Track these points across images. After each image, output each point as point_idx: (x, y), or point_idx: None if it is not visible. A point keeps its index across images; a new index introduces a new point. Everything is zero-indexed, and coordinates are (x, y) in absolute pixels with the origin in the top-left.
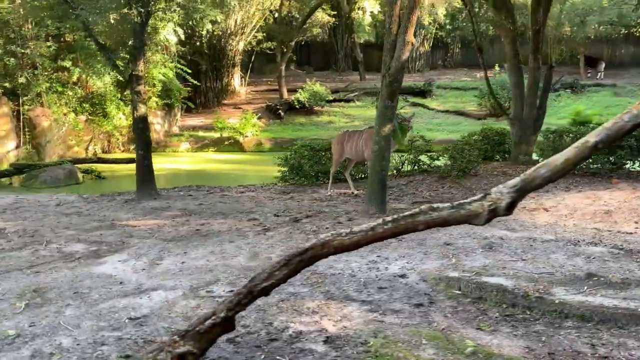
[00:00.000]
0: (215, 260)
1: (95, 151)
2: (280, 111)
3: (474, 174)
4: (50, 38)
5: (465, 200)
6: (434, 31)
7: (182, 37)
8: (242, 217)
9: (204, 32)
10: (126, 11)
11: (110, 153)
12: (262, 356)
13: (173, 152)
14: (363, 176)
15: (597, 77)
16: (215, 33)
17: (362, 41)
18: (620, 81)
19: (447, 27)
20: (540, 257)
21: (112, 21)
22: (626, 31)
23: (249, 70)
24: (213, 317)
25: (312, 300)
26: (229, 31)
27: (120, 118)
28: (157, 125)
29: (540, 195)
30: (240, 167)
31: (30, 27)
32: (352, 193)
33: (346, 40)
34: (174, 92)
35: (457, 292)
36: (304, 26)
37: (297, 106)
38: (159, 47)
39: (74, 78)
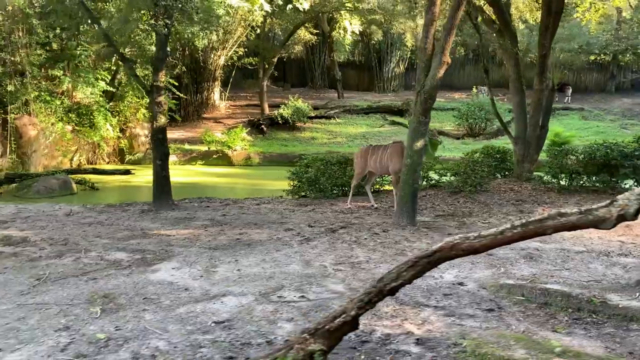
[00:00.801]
0: (270, 268)
1: (80, 162)
2: (263, 126)
3: (484, 189)
4: (38, 46)
5: (592, 207)
6: (408, 54)
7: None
8: (277, 228)
9: (200, 46)
10: (153, 22)
11: (94, 164)
12: (362, 357)
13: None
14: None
15: (565, 101)
16: (196, 47)
17: (340, 59)
18: (586, 105)
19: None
20: (580, 266)
21: (136, 32)
22: (592, 59)
23: (229, 85)
24: (343, 316)
25: (386, 305)
26: (210, 45)
27: (108, 129)
28: (143, 137)
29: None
30: (233, 181)
31: (21, 34)
32: (372, 206)
33: (324, 58)
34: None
35: (521, 298)
36: (287, 43)
37: (280, 122)
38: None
39: (63, 87)
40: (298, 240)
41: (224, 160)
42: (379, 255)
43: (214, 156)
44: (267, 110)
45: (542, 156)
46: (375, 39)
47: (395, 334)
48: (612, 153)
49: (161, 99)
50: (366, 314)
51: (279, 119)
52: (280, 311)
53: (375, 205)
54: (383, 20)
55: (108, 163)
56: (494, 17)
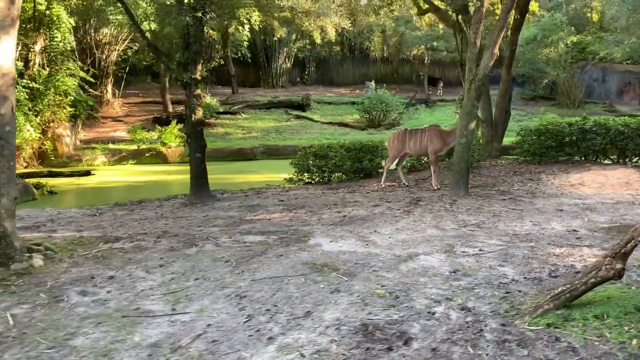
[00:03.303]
0: (414, 234)
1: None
2: (172, 123)
3: (479, 167)
4: None
5: None
6: (295, 51)
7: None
8: (357, 206)
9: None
10: (196, 15)
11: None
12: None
13: (89, 166)
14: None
15: (438, 94)
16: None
17: (235, 56)
18: (456, 97)
19: (307, 46)
20: (630, 212)
21: (172, 27)
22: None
23: (122, 83)
24: (632, 242)
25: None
26: (103, 40)
27: (29, 130)
28: (67, 137)
29: (560, 176)
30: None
31: None
32: (404, 184)
33: (213, 54)
34: (81, 103)
35: None
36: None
37: None
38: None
39: None
40: (399, 213)
41: (158, 158)
42: (484, 217)
43: (147, 154)
44: (170, 108)
45: (510, 139)
46: (276, 36)
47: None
48: (574, 130)
49: (198, 91)
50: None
51: None
52: (480, 260)
53: (407, 184)
54: (292, 18)
55: (27, 167)
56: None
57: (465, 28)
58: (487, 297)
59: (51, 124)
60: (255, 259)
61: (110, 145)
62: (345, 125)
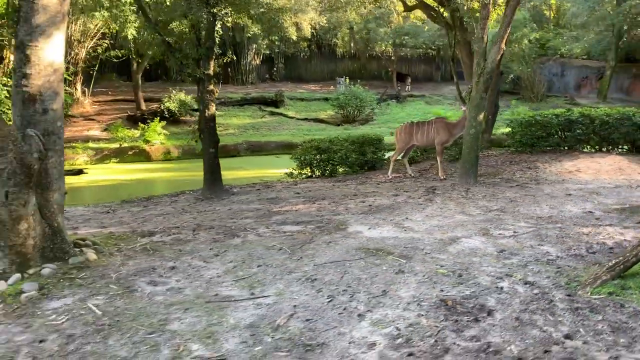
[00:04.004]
0: (445, 220)
1: None
2: (148, 121)
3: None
4: None
5: None
6: (264, 47)
7: None
8: (377, 195)
9: (129, 37)
10: (211, 10)
11: None
12: None
13: (71, 165)
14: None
15: (406, 90)
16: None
17: None
18: (425, 92)
19: (276, 43)
20: (632, 195)
21: (181, 21)
22: (426, 52)
23: (92, 81)
24: None
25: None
26: (72, 37)
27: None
28: None
29: (554, 164)
30: (181, 174)
31: None
32: (410, 175)
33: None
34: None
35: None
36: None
37: (166, 115)
38: None
39: None
40: (421, 201)
41: (141, 156)
42: (503, 203)
43: (130, 152)
44: (142, 105)
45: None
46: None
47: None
48: (561, 121)
49: (211, 87)
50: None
51: (166, 112)
52: (519, 241)
53: (412, 175)
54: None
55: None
56: (446, 14)
57: (454, 25)
58: (542, 272)
59: None
60: (305, 246)
61: (91, 144)
62: (321, 121)
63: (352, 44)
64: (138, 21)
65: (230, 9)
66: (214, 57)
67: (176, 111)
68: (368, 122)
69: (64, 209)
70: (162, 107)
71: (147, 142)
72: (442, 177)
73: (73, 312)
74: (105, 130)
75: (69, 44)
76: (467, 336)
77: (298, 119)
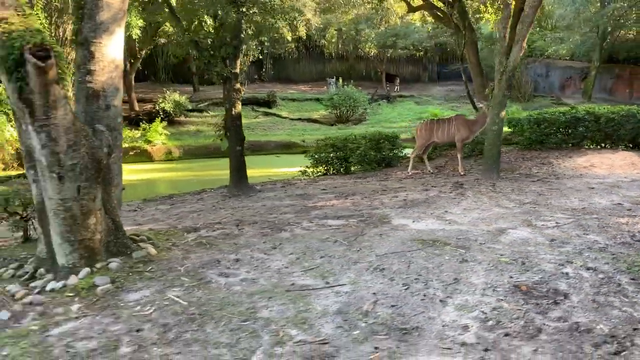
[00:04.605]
0: (485, 213)
1: None
2: (143, 121)
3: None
4: None
5: None
6: (253, 48)
7: None
8: (408, 190)
9: (134, 37)
10: (239, 9)
11: None
12: None
13: None
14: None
15: (395, 90)
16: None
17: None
18: (414, 93)
19: (266, 43)
20: None
21: (211, 23)
22: (415, 54)
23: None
24: None
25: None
26: (64, 36)
27: (9, 130)
28: None
29: (566, 160)
30: (186, 174)
31: None
32: (429, 171)
33: (167, 52)
34: None
35: None
36: (154, 37)
37: (161, 116)
38: None
39: None
40: (453, 195)
41: (143, 156)
42: (532, 196)
43: (131, 153)
44: (136, 106)
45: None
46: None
47: None
48: (568, 118)
49: (238, 85)
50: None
51: (161, 113)
52: (565, 231)
53: (432, 171)
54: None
55: (5, 170)
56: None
57: (464, 25)
58: (599, 259)
59: None
60: (359, 238)
61: None
62: (314, 121)
63: (339, 45)
64: (140, 21)
65: (256, 8)
66: (239, 56)
67: (171, 112)
68: (361, 122)
69: (121, 204)
70: (157, 108)
71: (148, 142)
72: (462, 173)
73: (157, 303)
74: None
75: (59, 44)
76: (552, 317)
77: (292, 119)
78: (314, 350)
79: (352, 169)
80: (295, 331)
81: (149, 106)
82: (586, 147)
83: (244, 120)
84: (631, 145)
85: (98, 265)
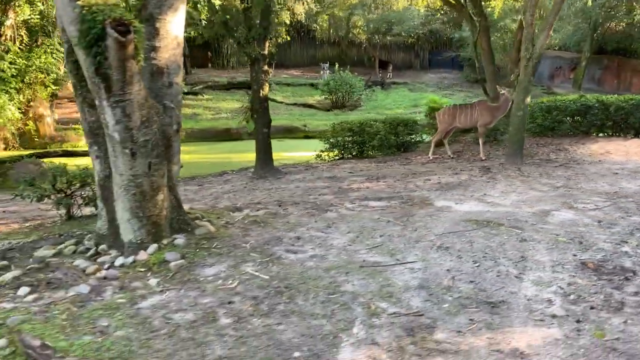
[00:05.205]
0: (523, 196)
1: None
2: None
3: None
4: None
5: None
6: (282, 30)
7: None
8: (439, 174)
9: None
10: None
11: None
12: None
13: (74, 148)
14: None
15: (388, 77)
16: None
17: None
18: (407, 80)
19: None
20: None
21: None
22: (408, 40)
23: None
24: None
25: None
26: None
27: (10, 109)
28: (49, 117)
29: (580, 147)
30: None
31: None
32: (449, 156)
33: None
34: (59, 81)
35: None
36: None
37: None
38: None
39: None
40: (485, 179)
41: None
42: (562, 180)
43: None
44: None
45: None
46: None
47: None
48: (579, 106)
49: (266, 67)
50: None
51: None
52: (608, 213)
53: (452, 156)
54: None
55: (6, 149)
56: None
57: (480, 12)
58: None
59: (32, 104)
60: (410, 219)
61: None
62: (310, 106)
63: (331, 31)
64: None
65: None
66: (268, 37)
67: None
68: (356, 107)
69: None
70: None
71: None
72: (483, 158)
73: (237, 277)
74: None
75: (54, 23)
76: (629, 292)
77: (287, 104)
78: (412, 322)
79: (370, 153)
80: (385, 304)
81: None
82: (594, 134)
83: (239, 104)
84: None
85: (164, 241)
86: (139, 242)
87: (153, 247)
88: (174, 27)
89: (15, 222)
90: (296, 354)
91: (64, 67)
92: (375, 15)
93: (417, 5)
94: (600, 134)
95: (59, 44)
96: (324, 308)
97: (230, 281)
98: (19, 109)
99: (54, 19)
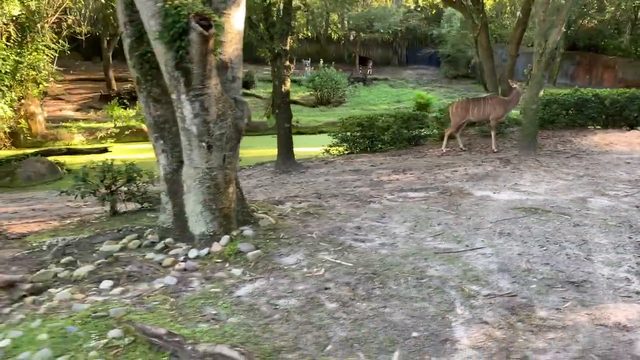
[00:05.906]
0: (552, 184)
1: None
2: (125, 100)
3: (506, 132)
4: None
5: None
6: (304, 25)
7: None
8: (464, 166)
9: None
10: None
11: None
12: None
13: (67, 145)
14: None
15: (368, 73)
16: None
17: None
18: (387, 76)
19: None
20: None
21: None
22: (385, 37)
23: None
24: None
25: None
26: (36, 11)
27: (2, 107)
28: (40, 115)
29: (582, 138)
30: None
31: None
32: (462, 149)
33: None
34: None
35: None
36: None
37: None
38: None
39: None
40: (509, 169)
41: (139, 135)
42: (582, 170)
43: (126, 132)
44: (114, 84)
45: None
46: None
47: None
48: (577, 99)
49: (287, 63)
50: None
51: None
52: (639, 197)
53: (464, 148)
54: None
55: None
56: None
57: (481, 9)
58: None
59: (23, 101)
60: (459, 207)
61: (82, 124)
62: (295, 102)
63: (309, 27)
64: None
65: None
66: (289, 33)
67: None
68: (341, 104)
69: None
70: None
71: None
72: (495, 150)
73: (319, 265)
74: (78, 110)
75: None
76: None
77: None
78: (509, 302)
79: (380, 147)
80: (475, 287)
81: (128, 85)
82: (591, 127)
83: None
84: (633, 126)
85: (234, 233)
86: (211, 234)
87: (225, 238)
88: (237, 22)
89: (52, 220)
90: (415, 334)
91: (129, 61)
92: (356, 12)
93: (408, 1)
94: (598, 127)
95: (51, 40)
96: (420, 292)
97: (315, 269)
98: (10, 106)
99: (44, 15)
